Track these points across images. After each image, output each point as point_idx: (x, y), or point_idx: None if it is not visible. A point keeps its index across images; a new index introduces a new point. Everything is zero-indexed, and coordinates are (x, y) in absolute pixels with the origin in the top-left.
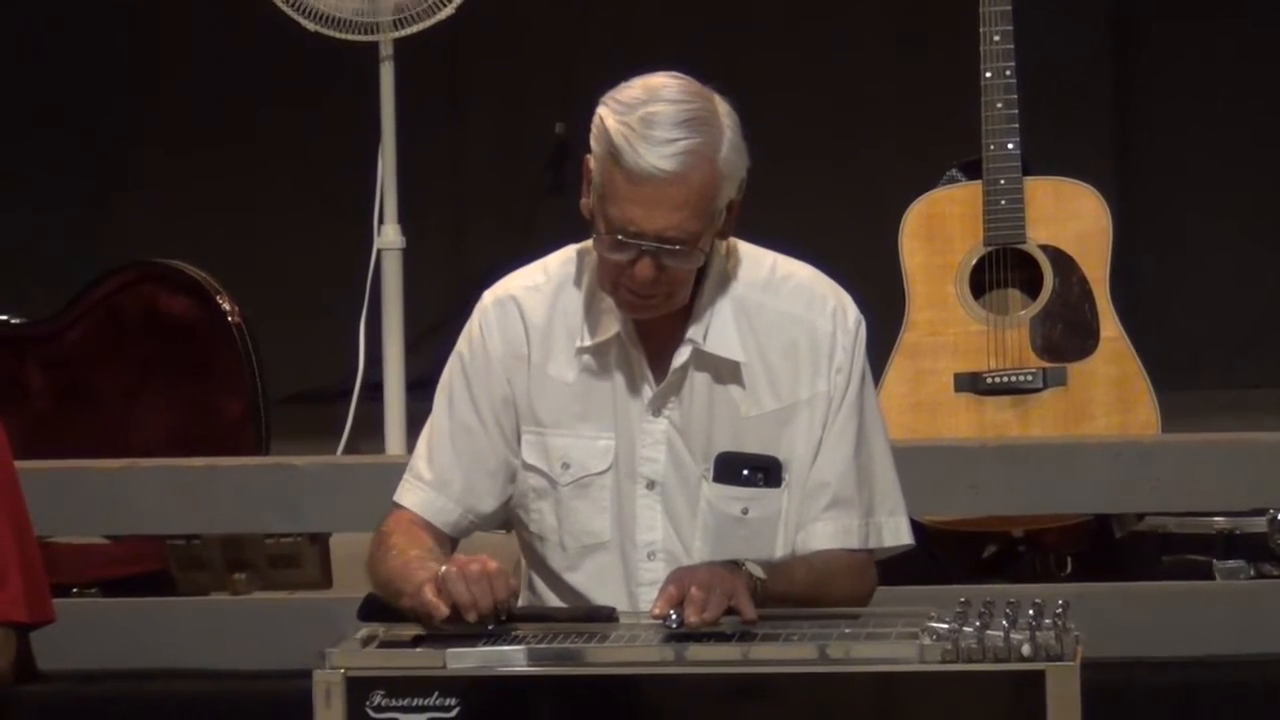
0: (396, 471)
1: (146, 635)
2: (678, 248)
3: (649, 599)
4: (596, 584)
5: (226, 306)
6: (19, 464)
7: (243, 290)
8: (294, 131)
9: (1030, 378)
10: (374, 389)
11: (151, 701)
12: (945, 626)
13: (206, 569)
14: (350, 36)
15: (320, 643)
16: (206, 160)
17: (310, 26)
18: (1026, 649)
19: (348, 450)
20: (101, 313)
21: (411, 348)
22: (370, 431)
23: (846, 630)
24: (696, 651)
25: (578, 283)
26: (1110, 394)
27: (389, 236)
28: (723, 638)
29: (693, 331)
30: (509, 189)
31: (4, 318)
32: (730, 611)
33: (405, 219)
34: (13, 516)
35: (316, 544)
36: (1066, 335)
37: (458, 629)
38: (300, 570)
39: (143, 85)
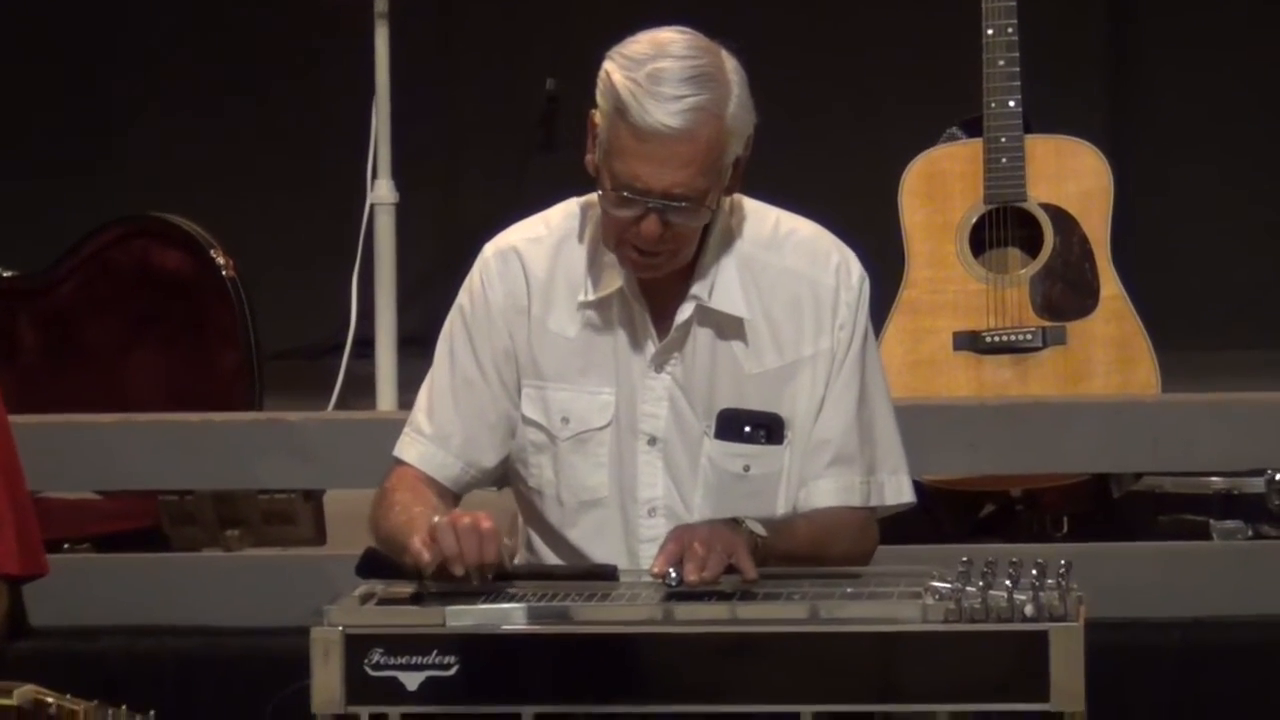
0: (391, 427)
1: (139, 591)
2: (684, 205)
3: (650, 556)
4: (595, 540)
5: (220, 261)
6: (11, 418)
7: (236, 245)
8: (289, 86)
9: (1030, 337)
10: (366, 344)
11: (144, 657)
12: (948, 586)
13: (199, 525)
14: None
15: (314, 600)
16: (201, 114)
17: None
18: (1030, 609)
19: (339, 406)
20: (94, 267)
21: (404, 303)
22: (362, 387)
23: (849, 590)
24: (697, 610)
25: (580, 236)
26: (1110, 353)
27: (382, 192)
28: (723, 596)
29: (697, 288)
30: (501, 145)
31: None
32: (731, 570)
33: (398, 174)
34: (5, 470)
35: (310, 500)
36: (1066, 294)
37: (448, 585)
38: (294, 527)
39: (138, 40)
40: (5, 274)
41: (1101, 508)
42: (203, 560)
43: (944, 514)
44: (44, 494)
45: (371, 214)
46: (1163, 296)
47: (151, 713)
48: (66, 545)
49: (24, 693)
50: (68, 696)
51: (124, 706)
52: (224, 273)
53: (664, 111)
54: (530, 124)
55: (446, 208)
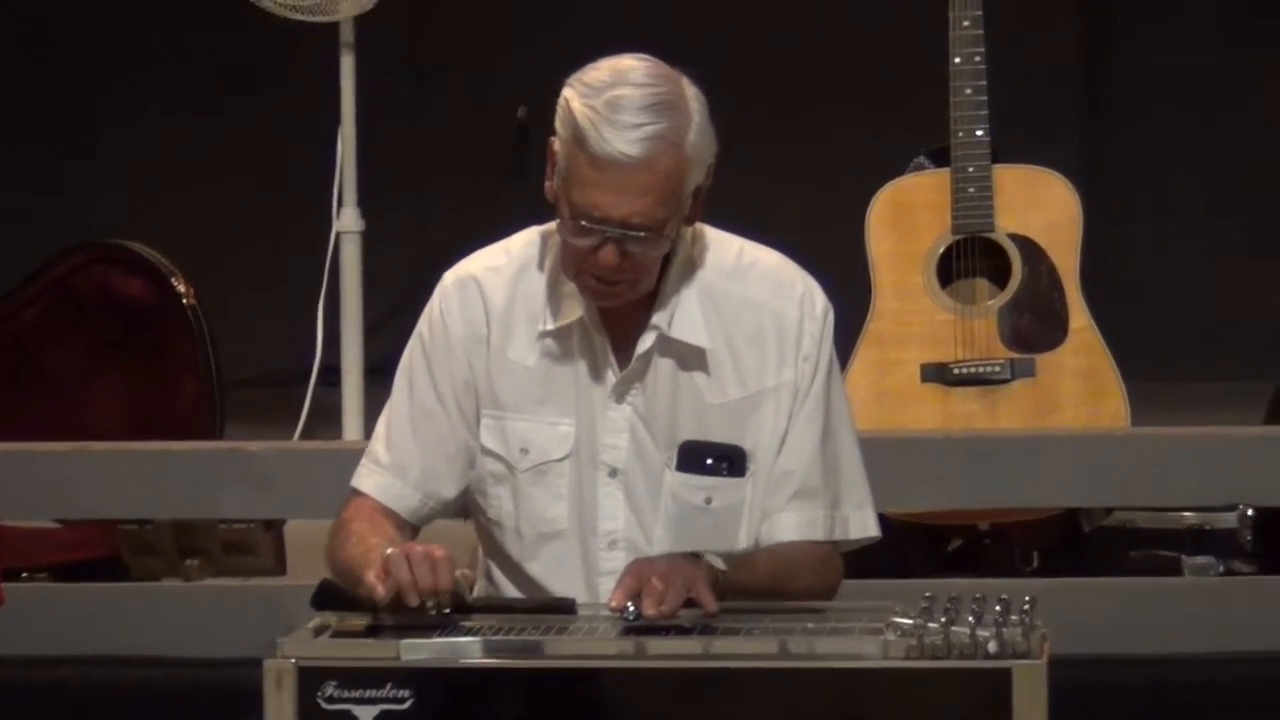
0: (353, 457)
1: (97, 621)
2: (643, 234)
3: (610, 589)
4: (554, 573)
5: (181, 289)
6: None
7: (202, 272)
8: (254, 112)
9: (998, 369)
10: (332, 373)
11: (101, 688)
12: (910, 622)
13: (159, 555)
14: (311, 18)
15: (274, 630)
16: (165, 140)
17: (275, 10)
18: (993, 646)
19: (305, 435)
20: (56, 293)
21: (371, 332)
22: (328, 417)
23: (809, 625)
24: (656, 645)
25: (540, 265)
26: (1079, 386)
27: (347, 220)
28: (682, 631)
29: (657, 318)
30: (471, 172)
31: None
32: (690, 604)
33: (366, 201)
34: None
35: (271, 531)
36: (1035, 326)
37: (404, 618)
38: (254, 557)
39: (102, 63)
40: None
41: (1071, 542)
42: (161, 590)
43: (910, 548)
44: (2, 523)
45: (337, 242)
46: (1134, 328)
47: None
48: (25, 574)
49: None
50: None
51: None
52: (185, 300)
53: (622, 140)
54: (501, 152)
55: (416, 236)
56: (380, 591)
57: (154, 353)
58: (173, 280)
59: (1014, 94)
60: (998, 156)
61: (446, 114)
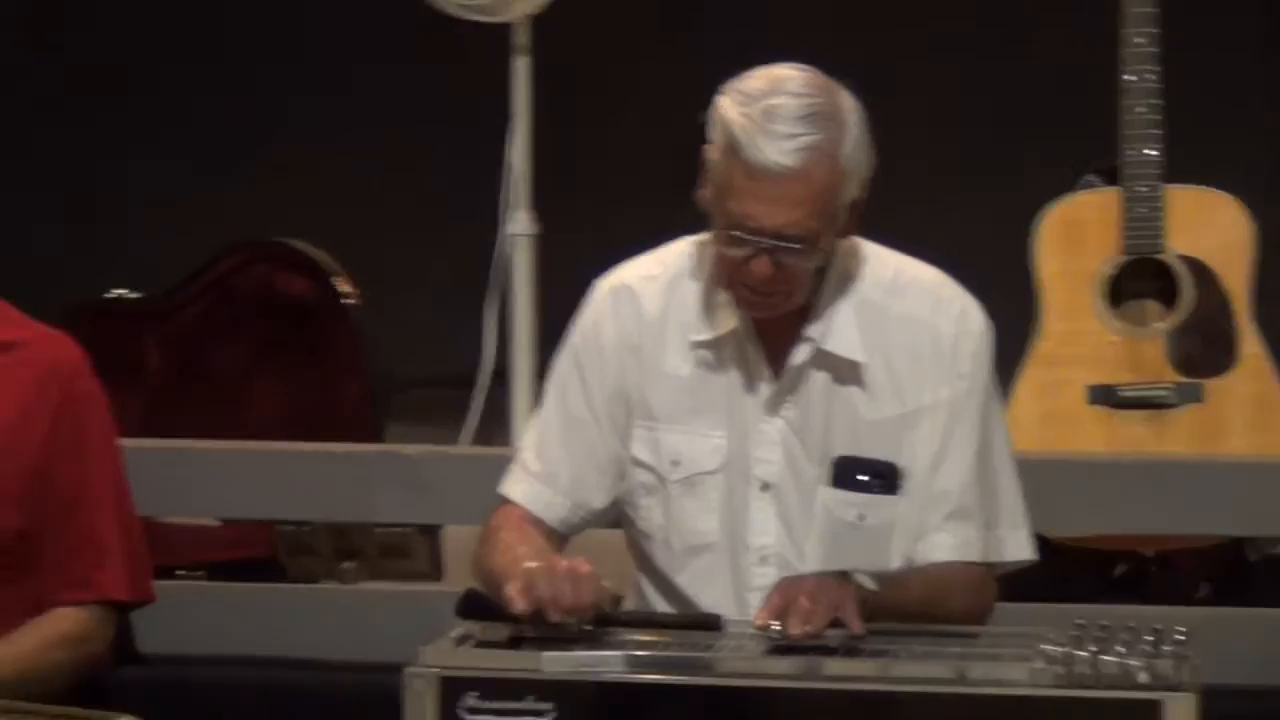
0: (509, 464)
1: (250, 621)
2: (796, 246)
3: (759, 604)
4: (703, 586)
5: (343, 288)
6: (129, 442)
7: (373, 273)
8: (427, 112)
9: (1166, 393)
10: (503, 378)
11: (252, 689)
12: (1059, 650)
13: (315, 556)
14: (485, 18)
15: (429, 636)
16: (337, 139)
17: (449, 9)
18: (1143, 676)
19: (473, 440)
20: (218, 291)
21: (544, 337)
22: (498, 422)
23: (957, 649)
24: (795, 665)
25: (695, 275)
26: (1249, 413)
27: (519, 223)
28: (826, 651)
29: (812, 330)
30: (652, 178)
31: (122, 292)
32: (836, 624)
33: (544, 204)
34: (116, 495)
35: (427, 535)
36: (1205, 350)
37: (547, 631)
38: (410, 561)
39: (277, 63)
40: (130, 296)
41: (1238, 571)
42: (315, 592)
43: (1074, 573)
44: (161, 519)
45: (509, 245)
46: None
47: None
48: (180, 572)
49: None
50: None
51: None
52: (347, 300)
53: (777, 150)
54: (682, 157)
55: (595, 240)
56: (521, 606)
57: (315, 352)
58: (335, 279)
59: (1191, 112)
60: (1169, 176)
61: (627, 119)
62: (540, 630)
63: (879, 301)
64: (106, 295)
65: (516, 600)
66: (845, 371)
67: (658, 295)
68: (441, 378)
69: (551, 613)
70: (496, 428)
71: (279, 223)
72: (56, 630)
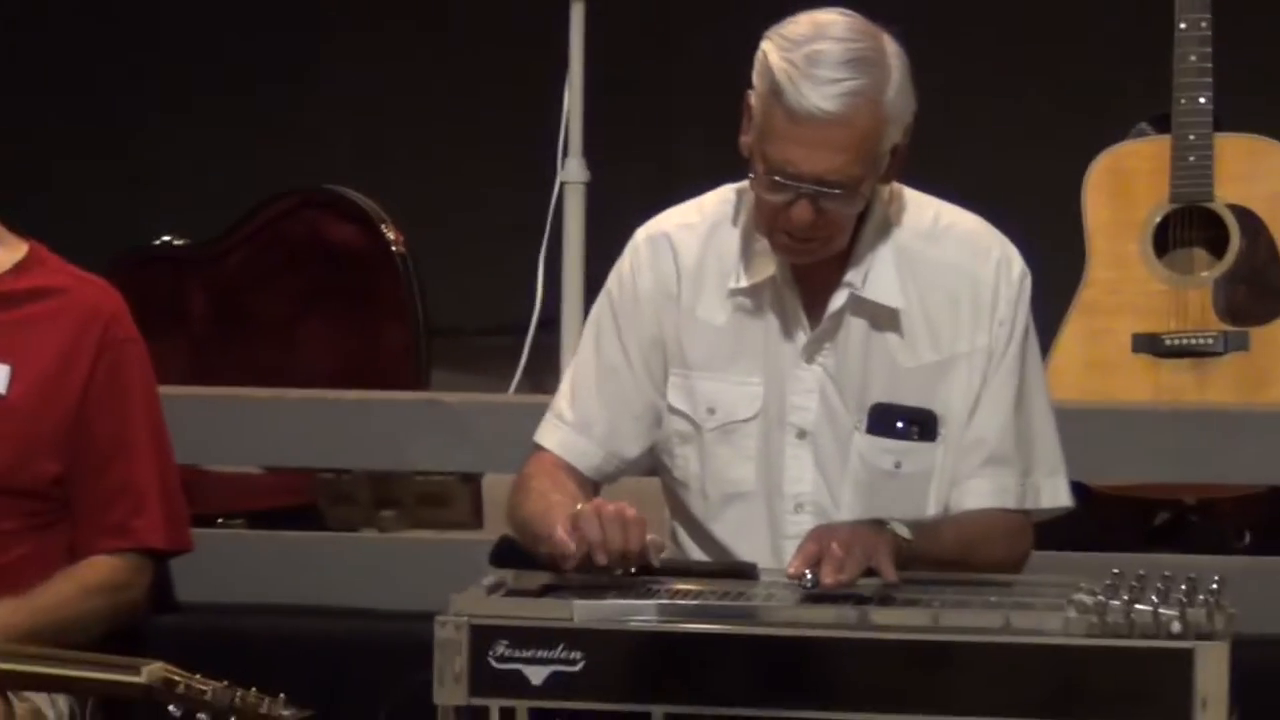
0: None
1: (289, 570)
2: (838, 191)
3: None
4: (738, 534)
5: (391, 236)
6: (170, 389)
7: (424, 220)
8: (481, 58)
9: (1211, 341)
10: (551, 325)
11: (289, 637)
12: (1093, 599)
13: (354, 504)
14: None
15: (466, 585)
16: (388, 85)
17: None
18: (1176, 626)
19: (521, 388)
20: (265, 238)
21: (595, 286)
22: (547, 369)
23: (991, 599)
24: (827, 614)
25: (734, 222)
26: None
27: (572, 170)
28: (860, 600)
29: (851, 276)
30: (705, 126)
31: (167, 239)
32: (871, 573)
33: (599, 151)
34: (154, 442)
35: (468, 484)
36: (1251, 298)
37: (588, 577)
38: (450, 509)
39: (326, 5)
40: (176, 242)
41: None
42: (354, 540)
43: (1115, 521)
44: (202, 466)
45: (561, 192)
46: None
47: (281, 695)
48: (220, 520)
49: (153, 670)
50: (197, 676)
51: (253, 689)
52: (394, 248)
53: (820, 95)
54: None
55: (645, 189)
56: (571, 548)
57: (362, 300)
58: (383, 227)
59: (1245, 61)
60: (1220, 125)
61: (688, 67)
62: (583, 577)
63: (918, 248)
64: (153, 242)
65: (566, 541)
66: (883, 318)
67: (696, 243)
68: (492, 326)
69: (599, 555)
70: (546, 376)
71: (328, 170)
72: (95, 577)
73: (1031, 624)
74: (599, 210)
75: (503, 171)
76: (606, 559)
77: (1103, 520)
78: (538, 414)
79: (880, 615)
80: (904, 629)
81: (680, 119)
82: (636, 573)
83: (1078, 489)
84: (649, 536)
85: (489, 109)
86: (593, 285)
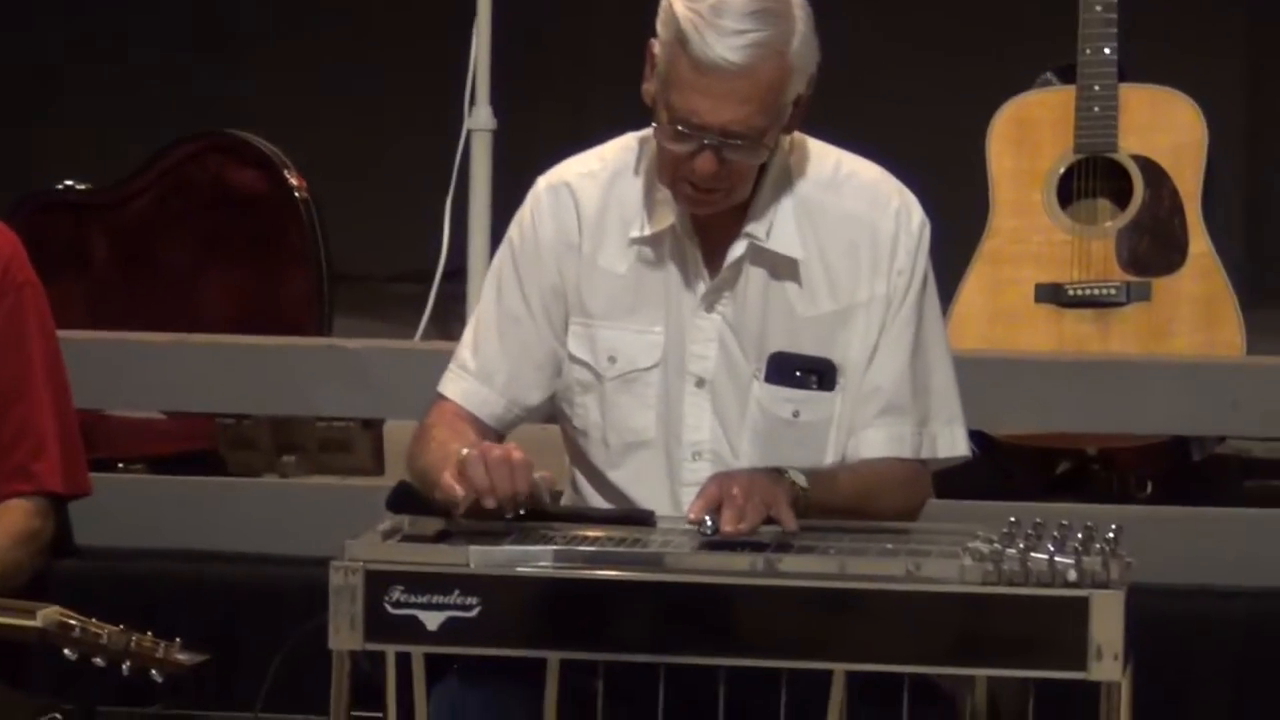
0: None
1: (189, 515)
2: (741, 142)
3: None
4: (638, 483)
5: (294, 181)
6: (70, 333)
7: (331, 169)
8: (389, 5)
9: (1113, 291)
10: (458, 274)
11: (189, 582)
12: (989, 547)
13: (256, 450)
14: None
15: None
16: (296, 30)
17: None
18: (1072, 574)
19: (427, 336)
20: (168, 183)
21: (501, 234)
22: (453, 317)
23: (888, 546)
24: (721, 560)
25: (636, 171)
26: (1195, 311)
27: (480, 118)
28: (758, 548)
29: (751, 226)
30: (612, 75)
31: (69, 183)
32: (770, 521)
33: (508, 98)
34: (52, 386)
35: (370, 430)
36: (1154, 249)
37: (479, 523)
38: (351, 455)
39: None
40: (79, 187)
41: (1181, 470)
42: (255, 486)
43: (1018, 471)
44: (104, 412)
45: (468, 140)
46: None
47: (177, 640)
48: (121, 465)
49: (48, 614)
50: (93, 620)
51: (149, 633)
52: (297, 194)
53: (725, 45)
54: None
55: (552, 137)
56: (458, 493)
57: (265, 245)
58: (286, 172)
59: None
60: (1125, 75)
61: (597, 15)
62: (472, 522)
63: (818, 198)
64: (55, 187)
65: (453, 486)
66: (782, 268)
67: (597, 191)
68: (400, 273)
69: (487, 500)
70: (454, 324)
71: (233, 115)
72: (14, 527)
73: (929, 572)
74: (507, 158)
75: (410, 118)
76: (494, 503)
77: (1005, 469)
78: (438, 360)
79: (787, 562)
80: (810, 576)
81: (589, 67)
82: (528, 515)
83: (980, 439)
84: (539, 474)
85: (397, 55)
86: (500, 234)
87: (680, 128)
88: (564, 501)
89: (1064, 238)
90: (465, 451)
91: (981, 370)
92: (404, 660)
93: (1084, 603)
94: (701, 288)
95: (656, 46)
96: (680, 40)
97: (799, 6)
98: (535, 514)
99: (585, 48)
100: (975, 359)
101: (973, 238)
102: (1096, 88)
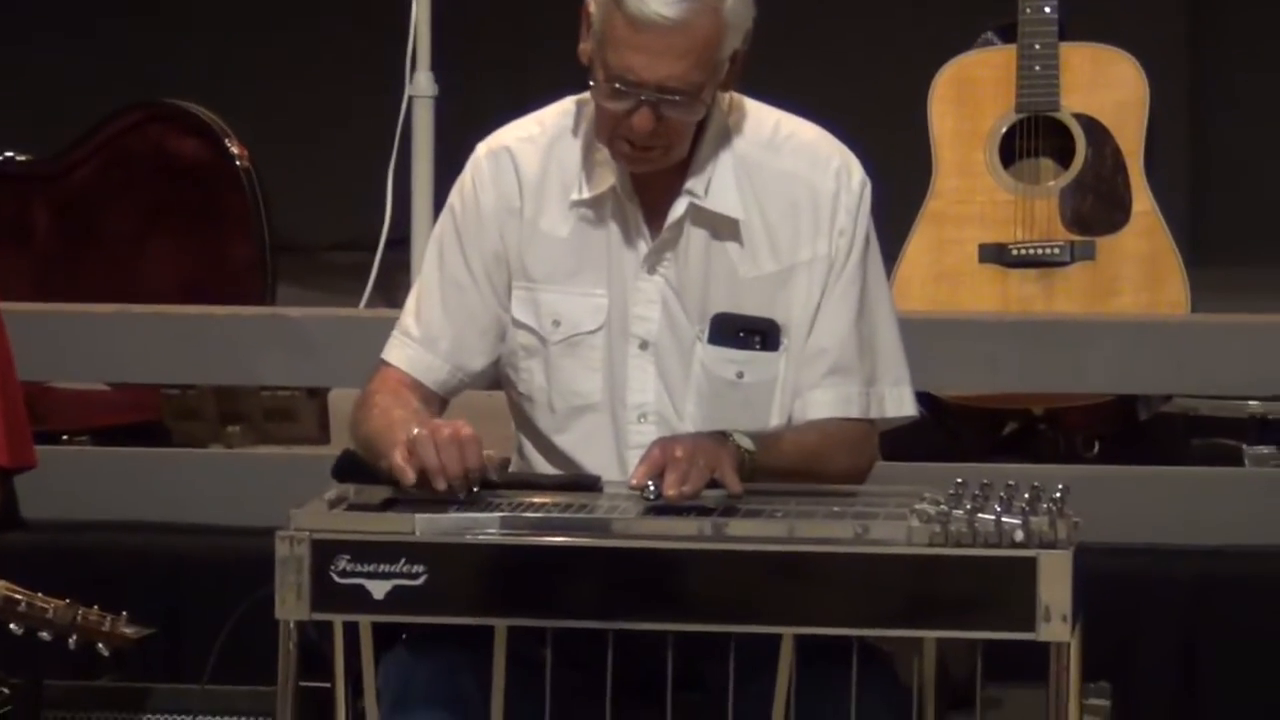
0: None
1: (134, 486)
2: (678, 98)
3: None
4: (585, 446)
5: (235, 150)
6: (11, 306)
7: (273, 137)
8: None
9: (1057, 250)
10: (401, 243)
11: (134, 554)
12: (935, 509)
13: (200, 420)
14: None
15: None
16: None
17: None
18: (1019, 535)
19: (370, 304)
20: (109, 153)
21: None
22: (400, 286)
23: (835, 509)
24: (669, 525)
25: (575, 134)
26: (1139, 270)
27: (421, 84)
28: (703, 512)
29: (691, 184)
30: (555, 39)
31: (10, 155)
32: (715, 484)
33: (449, 64)
34: None
35: (315, 399)
36: (1097, 208)
37: (427, 495)
38: (296, 424)
39: None
40: (20, 159)
41: (1127, 429)
42: (200, 456)
43: (965, 431)
44: (47, 384)
45: (410, 107)
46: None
47: (124, 613)
48: (65, 437)
49: None
50: (39, 595)
51: (95, 606)
52: (238, 162)
53: (660, 1)
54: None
55: (494, 103)
56: (409, 475)
57: (206, 215)
58: (226, 141)
59: None
60: (1066, 34)
61: None
62: (418, 491)
63: (758, 157)
64: None
65: (404, 468)
66: (723, 228)
67: (537, 156)
68: (343, 241)
69: (438, 480)
70: (398, 292)
71: (172, 83)
72: None
73: (877, 534)
74: (449, 125)
75: (352, 85)
76: (444, 484)
77: (952, 430)
78: (383, 328)
79: (734, 527)
80: (758, 540)
81: (530, 32)
82: (475, 491)
83: (926, 400)
84: (488, 453)
85: (337, 22)
86: (443, 201)
87: (617, 85)
88: (511, 468)
89: (1007, 197)
90: (415, 431)
91: (926, 331)
92: (351, 630)
93: (1031, 563)
94: (643, 249)
95: (591, 5)
96: None
97: None
98: (485, 484)
99: (525, 12)
100: (920, 320)
101: (916, 199)
102: (1037, 46)
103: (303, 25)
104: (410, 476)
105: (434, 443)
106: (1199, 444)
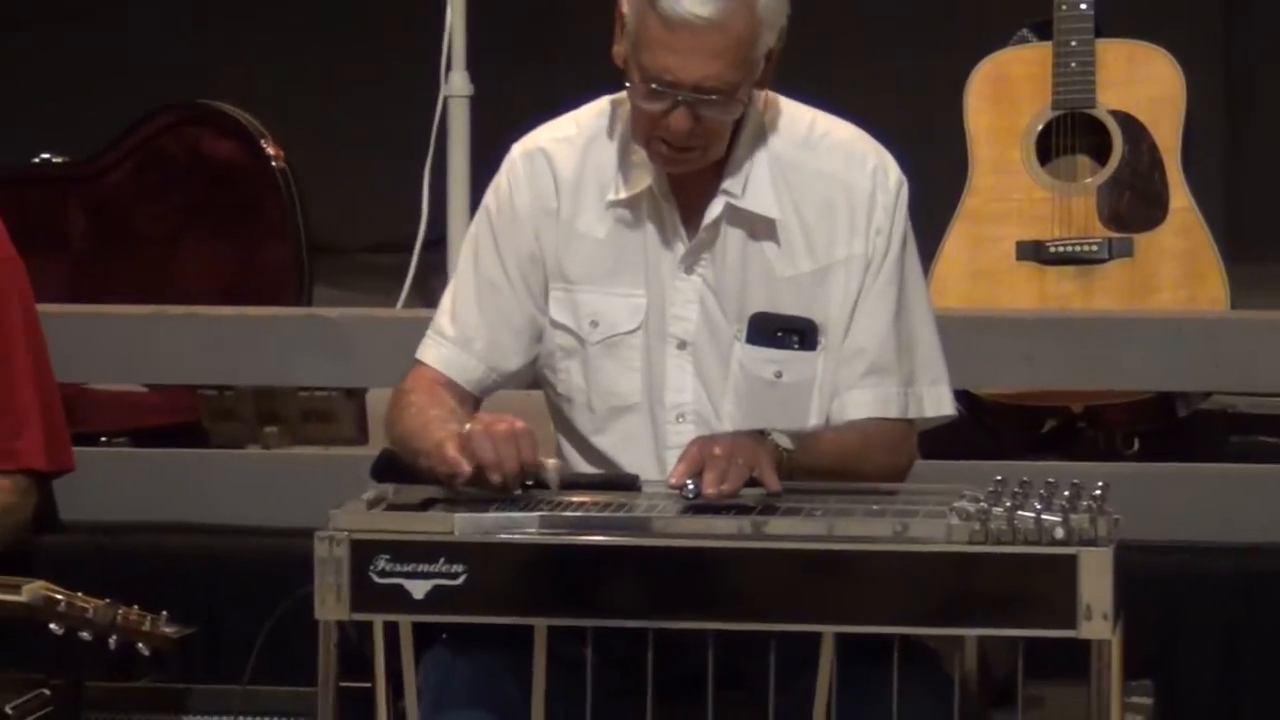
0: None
1: (172, 488)
2: (714, 98)
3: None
4: (624, 447)
5: (271, 151)
6: (51, 308)
7: (310, 138)
8: None
9: (1095, 248)
10: (439, 243)
11: (173, 555)
12: (975, 507)
13: (238, 421)
14: None
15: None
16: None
17: None
18: (1059, 532)
19: (408, 305)
20: (145, 155)
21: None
22: (434, 286)
23: (874, 507)
24: (708, 524)
25: (610, 134)
26: (1178, 267)
27: (456, 84)
28: (742, 510)
29: (728, 184)
30: (589, 39)
31: (46, 157)
32: (754, 483)
33: (485, 64)
34: (34, 362)
35: (352, 399)
36: (1134, 205)
37: (479, 491)
38: (334, 425)
39: None
40: (55, 160)
41: (1166, 426)
42: (238, 457)
43: (1004, 429)
44: (85, 385)
45: (445, 107)
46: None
47: (164, 613)
48: (104, 439)
49: (33, 589)
50: (79, 594)
51: (135, 606)
52: (274, 163)
53: (694, 1)
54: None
55: (530, 103)
56: (465, 468)
57: (242, 216)
58: (262, 142)
59: None
60: (1102, 30)
61: None
62: (457, 490)
63: (794, 157)
64: (31, 161)
65: (460, 462)
66: (760, 228)
67: (573, 156)
68: (380, 243)
69: (494, 475)
70: (436, 293)
71: (209, 85)
72: None
73: (916, 533)
74: (485, 125)
75: (387, 86)
76: (500, 478)
77: (991, 429)
78: (420, 328)
79: (774, 525)
80: (797, 538)
81: (565, 32)
82: (530, 486)
83: (965, 399)
84: (550, 461)
85: (372, 22)
86: (479, 201)
87: (653, 86)
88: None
89: (1044, 195)
90: (469, 426)
91: (964, 329)
92: (392, 630)
93: (1072, 560)
94: (680, 249)
95: (625, 6)
96: None
97: None
98: (538, 484)
99: (559, 12)
100: (958, 318)
101: (952, 196)
102: (1074, 43)
103: (338, 26)
104: (466, 469)
105: (490, 437)
106: (1238, 441)
